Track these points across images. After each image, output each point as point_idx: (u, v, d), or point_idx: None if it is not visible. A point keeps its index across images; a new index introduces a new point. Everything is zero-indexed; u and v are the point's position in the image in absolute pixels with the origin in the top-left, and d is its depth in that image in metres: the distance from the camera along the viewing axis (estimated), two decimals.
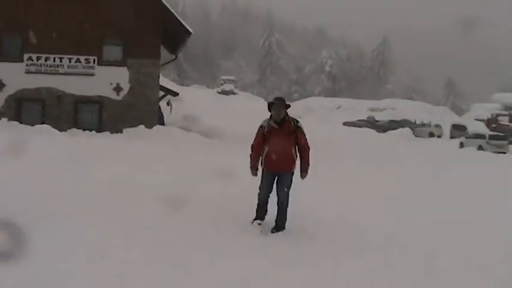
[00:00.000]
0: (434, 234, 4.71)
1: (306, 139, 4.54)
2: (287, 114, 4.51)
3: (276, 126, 4.45)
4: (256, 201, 4.66)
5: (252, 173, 4.56)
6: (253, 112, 25.51)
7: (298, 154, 4.54)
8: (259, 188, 4.62)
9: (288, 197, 4.57)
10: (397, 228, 4.87)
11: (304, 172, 4.57)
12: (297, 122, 4.54)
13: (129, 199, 5.09)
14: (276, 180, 4.55)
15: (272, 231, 4.56)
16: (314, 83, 60.53)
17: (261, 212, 4.64)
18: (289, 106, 4.50)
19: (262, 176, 4.58)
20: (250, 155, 4.57)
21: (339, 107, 45.76)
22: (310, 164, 4.57)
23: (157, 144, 10.44)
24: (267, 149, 4.49)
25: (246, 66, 62.62)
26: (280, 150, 4.44)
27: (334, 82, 59.43)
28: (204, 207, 5.02)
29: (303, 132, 4.53)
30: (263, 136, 4.51)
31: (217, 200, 5.32)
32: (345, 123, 32.80)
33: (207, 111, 24.95)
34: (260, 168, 4.61)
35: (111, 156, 7.57)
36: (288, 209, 4.57)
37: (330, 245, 4.17)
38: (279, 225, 4.61)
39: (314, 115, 37.91)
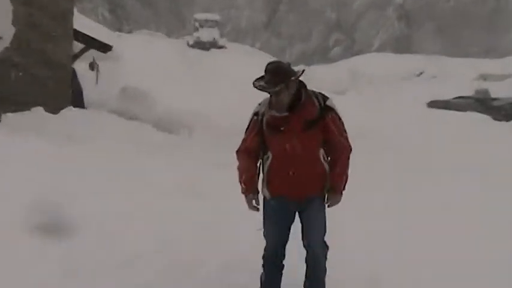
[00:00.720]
0: None
1: (344, 130, 4.75)
2: (305, 87, 4.70)
3: (285, 114, 4.62)
4: (261, 262, 4.98)
5: (248, 203, 4.85)
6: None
7: (328, 159, 4.79)
8: (264, 234, 4.92)
9: (324, 246, 4.85)
10: None
11: (335, 192, 4.75)
12: (325, 99, 4.74)
13: None
14: (294, 216, 4.84)
15: None
16: (372, 28, 62.32)
17: (270, 283, 4.98)
18: (297, 75, 4.58)
19: (264, 212, 4.87)
20: (238, 169, 4.87)
21: (421, 72, 47.07)
22: (349, 178, 4.81)
23: (66, 146, 10.47)
24: (270, 156, 4.73)
25: None
26: (296, 158, 4.63)
27: (411, 25, 61.00)
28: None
29: (337, 117, 4.74)
30: (260, 133, 4.76)
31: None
32: (431, 104, 33.41)
33: (167, 81, 25.81)
34: (261, 196, 4.89)
35: None
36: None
37: None
38: None
39: (369, 87, 38.28)
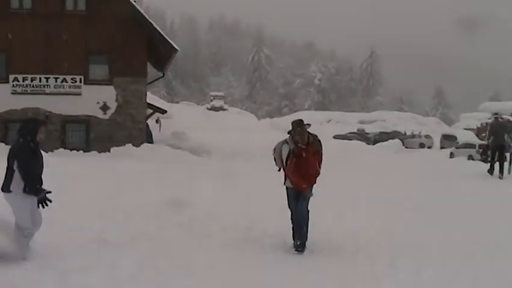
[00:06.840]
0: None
1: (321, 156, 6.99)
2: (309, 132, 6.82)
3: (305, 146, 6.62)
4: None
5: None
6: (243, 127, 38.92)
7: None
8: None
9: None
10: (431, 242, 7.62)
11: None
12: (318, 138, 6.84)
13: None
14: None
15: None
16: (303, 97, 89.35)
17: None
18: (307, 124, 7.10)
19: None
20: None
21: (329, 120, 63.57)
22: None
23: (143, 163, 13.77)
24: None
25: (235, 81, 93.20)
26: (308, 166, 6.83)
27: (324, 95, 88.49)
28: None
29: (321, 149, 6.99)
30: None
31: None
32: (335, 137, 41.29)
33: (196, 128, 31.73)
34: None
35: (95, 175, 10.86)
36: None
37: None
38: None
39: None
